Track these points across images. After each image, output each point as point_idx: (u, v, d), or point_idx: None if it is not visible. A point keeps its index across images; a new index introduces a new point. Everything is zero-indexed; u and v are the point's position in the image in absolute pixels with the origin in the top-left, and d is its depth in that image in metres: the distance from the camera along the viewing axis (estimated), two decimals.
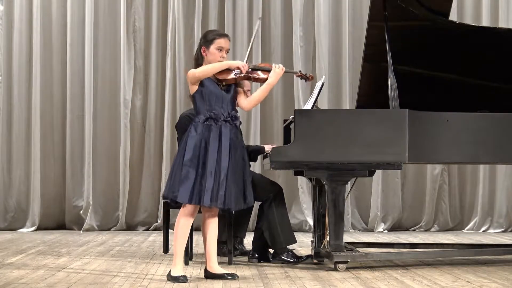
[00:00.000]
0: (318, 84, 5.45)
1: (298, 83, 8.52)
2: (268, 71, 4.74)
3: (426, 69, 5.75)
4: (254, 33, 5.18)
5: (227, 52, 4.68)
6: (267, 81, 4.69)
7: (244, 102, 4.71)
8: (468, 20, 8.56)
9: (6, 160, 8.61)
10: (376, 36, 5.37)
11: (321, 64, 8.57)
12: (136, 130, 8.68)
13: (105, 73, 8.70)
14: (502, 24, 8.57)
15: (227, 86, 4.64)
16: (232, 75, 4.64)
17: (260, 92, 4.72)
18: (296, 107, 8.21)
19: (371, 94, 5.76)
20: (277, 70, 4.71)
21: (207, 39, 4.65)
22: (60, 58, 8.69)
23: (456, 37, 5.63)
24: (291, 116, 5.22)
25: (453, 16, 7.02)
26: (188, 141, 4.54)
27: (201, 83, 4.59)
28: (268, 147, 5.78)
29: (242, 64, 4.62)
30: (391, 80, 5.11)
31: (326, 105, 8.47)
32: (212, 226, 4.66)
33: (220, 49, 4.62)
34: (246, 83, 5.42)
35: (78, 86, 8.64)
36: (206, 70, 4.59)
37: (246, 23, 8.68)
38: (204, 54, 4.64)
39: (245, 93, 4.75)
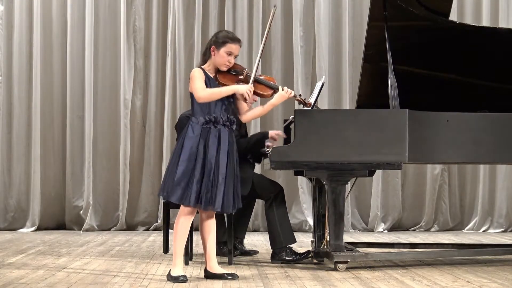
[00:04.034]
0: (318, 84, 5.45)
1: (298, 83, 8.53)
2: (271, 87, 4.70)
3: (426, 69, 5.75)
4: (269, 23, 4.91)
5: (235, 57, 4.63)
6: (271, 101, 4.69)
7: (244, 115, 4.70)
8: (468, 20, 8.56)
9: (6, 160, 8.61)
10: (376, 36, 5.37)
11: (321, 64, 8.57)
12: (136, 130, 8.68)
13: (105, 73, 8.71)
14: (502, 24, 8.57)
15: None
16: (235, 82, 4.62)
17: (261, 109, 4.74)
18: (296, 107, 8.21)
19: (371, 94, 5.75)
20: (283, 93, 4.68)
21: (218, 40, 4.58)
22: (60, 58, 8.70)
23: (456, 37, 5.63)
24: (291, 116, 5.22)
25: (453, 16, 7.01)
26: (185, 142, 4.52)
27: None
28: (272, 133, 5.65)
29: (246, 91, 4.54)
30: (391, 80, 5.11)
31: (326, 105, 8.47)
32: (211, 226, 4.64)
33: (229, 53, 4.57)
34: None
35: (78, 86, 8.64)
36: (211, 95, 4.52)
37: (246, 23, 8.68)
38: (212, 53, 4.59)
39: (247, 104, 4.73)
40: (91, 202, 8.49)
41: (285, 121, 5.88)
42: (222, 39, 4.58)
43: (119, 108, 8.60)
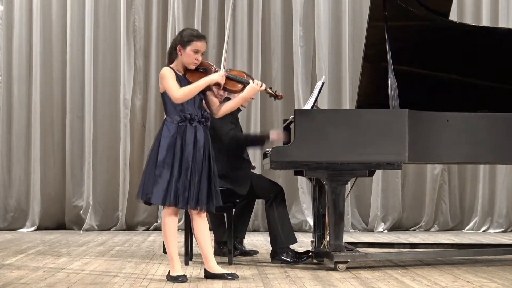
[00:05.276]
0: (318, 84, 5.44)
1: (298, 83, 8.53)
2: (240, 82, 4.67)
3: (426, 69, 5.75)
4: (229, 15, 4.91)
5: (202, 55, 4.60)
6: (242, 94, 4.65)
7: (216, 110, 4.67)
8: (468, 20, 8.56)
9: (6, 160, 8.62)
10: (376, 36, 5.37)
11: (321, 64, 8.57)
12: (136, 130, 8.69)
13: (105, 73, 8.71)
14: (502, 24, 8.57)
15: None
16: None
17: (233, 103, 4.72)
18: (296, 107, 8.21)
19: (371, 94, 5.76)
20: (254, 86, 4.64)
21: (184, 39, 4.54)
22: (60, 58, 8.70)
23: (456, 37, 5.63)
24: (291, 116, 5.22)
25: (453, 16, 7.01)
26: (161, 142, 4.49)
27: None
28: (273, 135, 5.52)
29: (220, 77, 4.54)
30: (391, 80, 5.11)
31: (326, 105, 8.47)
32: (202, 226, 4.60)
33: (196, 51, 4.53)
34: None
35: (78, 86, 8.65)
36: (188, 93, 4.48)
37: (246, 23, 8.67)
38: (179, 53, 4.55)
39: (216, 97, 4.70)
40: (91, 202, 8.49)
41: (285, 121, 5.87)
42: (187, 37, 4.54)
43: (119, 108, 8.60)
